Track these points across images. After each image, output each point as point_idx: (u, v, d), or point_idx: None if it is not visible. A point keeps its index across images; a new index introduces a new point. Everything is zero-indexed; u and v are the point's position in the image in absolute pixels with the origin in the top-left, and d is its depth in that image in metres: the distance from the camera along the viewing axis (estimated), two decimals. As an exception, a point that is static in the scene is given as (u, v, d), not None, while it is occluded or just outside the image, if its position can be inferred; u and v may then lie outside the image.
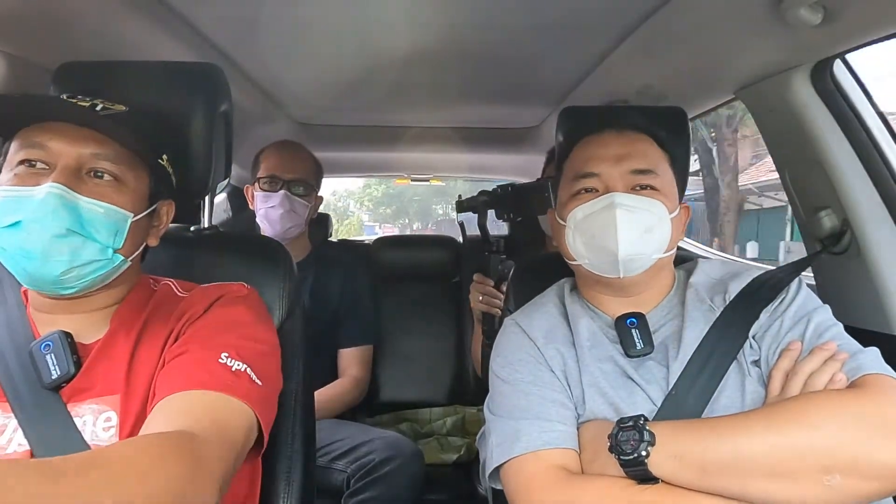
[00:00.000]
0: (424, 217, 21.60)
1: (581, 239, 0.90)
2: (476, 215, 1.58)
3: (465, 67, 1.60)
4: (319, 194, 1.80)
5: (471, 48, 1.44)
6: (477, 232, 1.87)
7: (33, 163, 0.74)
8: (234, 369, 0.74)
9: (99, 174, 0.76)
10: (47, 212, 0.71)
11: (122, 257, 0.79)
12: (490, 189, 1.58)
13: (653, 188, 0.89)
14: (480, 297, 1.53)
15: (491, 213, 1.60)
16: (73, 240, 0.73)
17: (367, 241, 2.46)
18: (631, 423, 0.74)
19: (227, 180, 2.16)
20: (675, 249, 0.93)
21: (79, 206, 0.73)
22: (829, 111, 1.18)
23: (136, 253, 0.82)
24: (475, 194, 1.62)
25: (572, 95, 1.83)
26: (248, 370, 0.75)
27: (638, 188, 0.89)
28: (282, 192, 1.65)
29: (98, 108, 0.77)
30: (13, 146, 0.76)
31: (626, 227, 0.86)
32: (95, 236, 0.75)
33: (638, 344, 0.87)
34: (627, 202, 0.87)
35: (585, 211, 0.90)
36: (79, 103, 0.76)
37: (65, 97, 0.77)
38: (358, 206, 22.54)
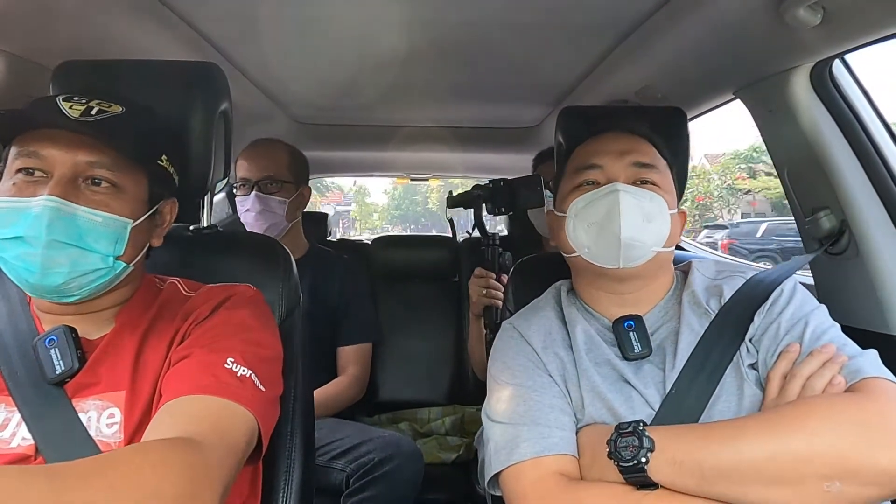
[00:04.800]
0: (416, 221, 39.73)
1: (582, 226, 0.90)
2: (464, 211, 1.60)
3: (465, 67, 1.60)
4: (307, 186, 1.78)
5: (470, 48, 1.44)
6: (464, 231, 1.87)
7: (31, 171, 0.74)
8: (239, 375, 0.74)
9: (97, 181, 0.76)
10: (42, 226, 0.71)
11: (124, 264, 0.79)
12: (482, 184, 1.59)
13: (654, 184, 0.90)
14: (484, 291, 1.53)
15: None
16: (70, 251, 0.73)
17: (365, 241, 2.46)
18: (630, 429, 0.74)
19: (226, 179, 2.16)
20: (674, 248, 0.93)
21: (76, 216, 0.73)
22: (829, 111, 1.19)
23: (139, 257, 0.82)
24: (467, 190, 1.63)
25: (572, 95, 1.83)
26: (253, 376, 0.75)
27: (640, 182, 0.90)
28: (252, 193, 1.65)
29: (93, 110, 0.76)
30: (11, 153, 0.76)
31: (629, 211, 0.86)
32: (94, 246, 0.74)
33: (636, 346, 0.86)
34: (630, 189, 0.88)
35: (587, 199, 0.90)
36: (73, 106, 0.75)
37: (61, 98, 0.77)
38: (380, 217, 41.29)
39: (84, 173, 0.75)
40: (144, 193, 0.81)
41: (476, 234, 1.78)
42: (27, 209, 0.71)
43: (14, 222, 0.72)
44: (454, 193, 1.65)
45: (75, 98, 0.77)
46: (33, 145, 0.74)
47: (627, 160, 0.91)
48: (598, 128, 0.98)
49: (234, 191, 1.71)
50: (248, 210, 1.65)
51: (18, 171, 0.74)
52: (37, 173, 0.74)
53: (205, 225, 1.11)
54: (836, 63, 1.16)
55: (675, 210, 0.92)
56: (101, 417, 0.75)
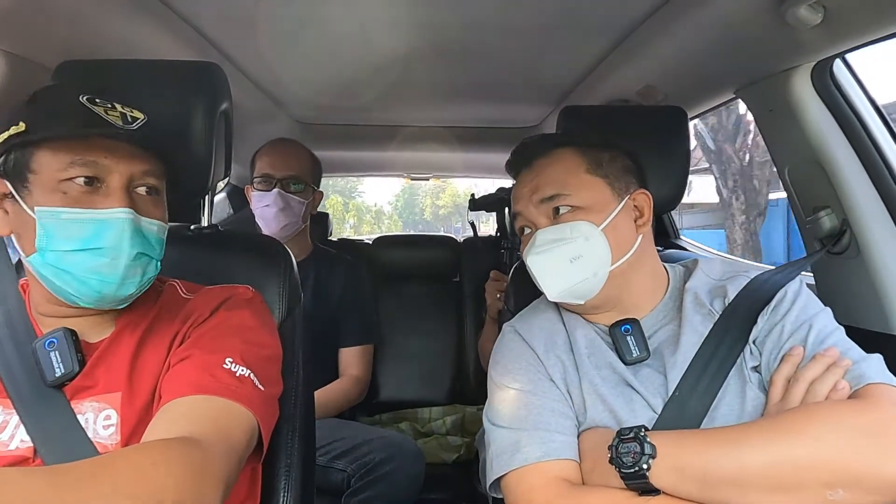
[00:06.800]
0: (414, 227, 41.02)
1: (534, 276, 0.93)
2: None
3: (466, 67, 1.60)
4: (319, 190, 1.80)
5: (471, 47, 1.44)
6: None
7: (90, 179, 0.73)
8: (238, 374, 0.74)
9: (145, 189, 0.77)
10: (125, 238, 0.72)
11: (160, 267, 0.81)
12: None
13: (571, 207, 0.88)
14: (499, 295, 1.53)
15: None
16: (143, 261, 0.75)
17: (367, 241, 2.46)
18: (632, 435, 0.73)
19: (226, 179, 2.17)
20: (634, 249, 0.89)
21: (142, 226, 0.75)
22: (829, 111, 1.18)
23: None
24: (492, 192, 1.64)
25: (573, 95, 1.83)
26: (252, 375, 0.75)
27: (553, 215, 0.90)
28: (275, 190, 1.66)
29: (128, 116, 0.76)
30: (56, 160, 0.72)
31: (547, 271, 0.88)
32: (153, 254, 0.77)
33: (634, 351, 0.86)
34: (541, 245, 0.88)
35: (525, 257, 0.93)
36: (109, 112, 0.75)
37: (84, 99, 0.74)
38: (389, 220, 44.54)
39: (135, 181, 0.76)
40: (168, 195, 0.83)
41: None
42: (101, 220, 0.72)
43: (86, 235, 0.71)
44: (476, 197, 1.66)
45: (98, 101, 0.75)
46: (91, 155, 0.72)
47: (535, 199, 0.91)
48: (594, 126, 0.97)
49: (254, 185, 1.71)
50: (267, 206, 1.66)
51: (68, 179, 0.72)
52: (94, 183, 0.73)
53: (205, 224, 1.11)
54: (837, 62, 1.16)
55: (608, 220, 0.87)
56: (97, 419, 0.75)
